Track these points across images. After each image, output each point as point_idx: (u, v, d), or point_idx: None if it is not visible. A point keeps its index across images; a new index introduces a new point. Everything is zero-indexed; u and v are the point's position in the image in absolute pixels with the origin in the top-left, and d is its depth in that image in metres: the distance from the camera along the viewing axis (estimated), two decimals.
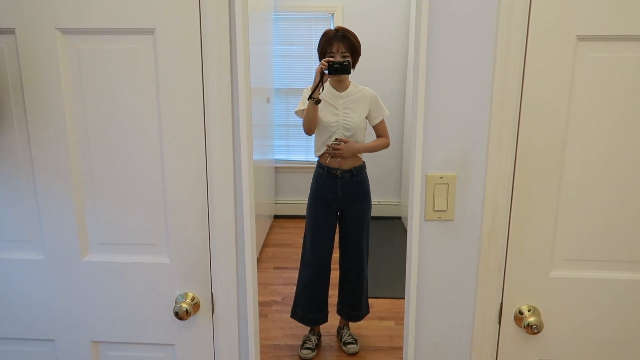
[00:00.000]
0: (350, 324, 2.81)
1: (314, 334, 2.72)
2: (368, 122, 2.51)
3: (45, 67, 1.12)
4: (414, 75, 1.12)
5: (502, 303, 1.19)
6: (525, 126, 1.10)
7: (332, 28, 2.40)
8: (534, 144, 1.11)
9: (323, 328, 2.83)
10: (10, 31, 1.10)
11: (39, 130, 1.15)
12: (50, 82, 1.13)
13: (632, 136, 1.09)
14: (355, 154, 2.46)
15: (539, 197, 1.14)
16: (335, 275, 2.68)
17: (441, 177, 1.15)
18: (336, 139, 2.42)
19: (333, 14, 4.59)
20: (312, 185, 2.56)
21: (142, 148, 1.16)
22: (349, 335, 2.73)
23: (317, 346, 2.71)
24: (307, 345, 2.66)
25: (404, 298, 1.26)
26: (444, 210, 1.16)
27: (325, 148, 2.45)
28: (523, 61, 1.07)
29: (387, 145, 2.56)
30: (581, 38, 1.05)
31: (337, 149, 2.41)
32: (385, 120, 2.54)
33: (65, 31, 1.11)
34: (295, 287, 2.69)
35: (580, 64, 1.07)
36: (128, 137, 1.16)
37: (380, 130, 2.55)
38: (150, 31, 1.10)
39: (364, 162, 2.54)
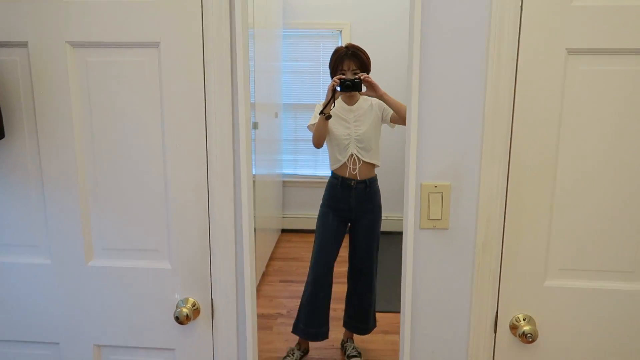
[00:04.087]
0: (355, 337, 2.81)
1: (299, 349, 2.72)
2: (388, 124, 2.49)
3: (55, 78, 1.17)
4: (407, 88, 1.16)
5: (497, 312, 1.21)
6: (517, 138, 1.13)
7: (341, 45, 2.43)
8: (527, 155, 1.13)
9: (327, 341, 2.81)
10: (23, 44, 1.16)
11: (48, 139, 1.20)
12: (60, 93, 1.18)
13: (623, 146, 1.11)
14: (375, 88, 2.36)
15: (533, 207, 1.15)
16: (343, 288, 2.69)
17: (435, 187, 1.17)
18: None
19: (341, 31, 4.66)
20: (324, 195, 2.59)
21: (146, 156, 1.21)
22: (353, 349, 2.72)
23: None
24: (288, 359, 2.66)
25: None
26: (439, 219, 1.18)
27: (339, 161, 2.47)
28: (514, 74, 1.10)
29: (405, 108, 2.51)
30: (571, 51, 1.08)
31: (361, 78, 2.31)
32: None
33: (75, 44, 1.16)
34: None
35: (571, 77, 1.09)
36: (132, 145, 1.20)
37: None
38: (155, 44, 1.15)
39: (376, 174, 2.58)
